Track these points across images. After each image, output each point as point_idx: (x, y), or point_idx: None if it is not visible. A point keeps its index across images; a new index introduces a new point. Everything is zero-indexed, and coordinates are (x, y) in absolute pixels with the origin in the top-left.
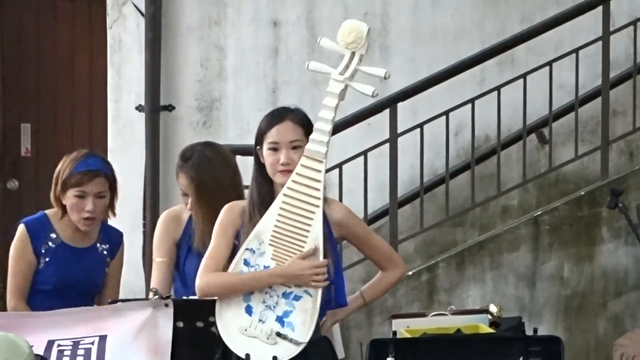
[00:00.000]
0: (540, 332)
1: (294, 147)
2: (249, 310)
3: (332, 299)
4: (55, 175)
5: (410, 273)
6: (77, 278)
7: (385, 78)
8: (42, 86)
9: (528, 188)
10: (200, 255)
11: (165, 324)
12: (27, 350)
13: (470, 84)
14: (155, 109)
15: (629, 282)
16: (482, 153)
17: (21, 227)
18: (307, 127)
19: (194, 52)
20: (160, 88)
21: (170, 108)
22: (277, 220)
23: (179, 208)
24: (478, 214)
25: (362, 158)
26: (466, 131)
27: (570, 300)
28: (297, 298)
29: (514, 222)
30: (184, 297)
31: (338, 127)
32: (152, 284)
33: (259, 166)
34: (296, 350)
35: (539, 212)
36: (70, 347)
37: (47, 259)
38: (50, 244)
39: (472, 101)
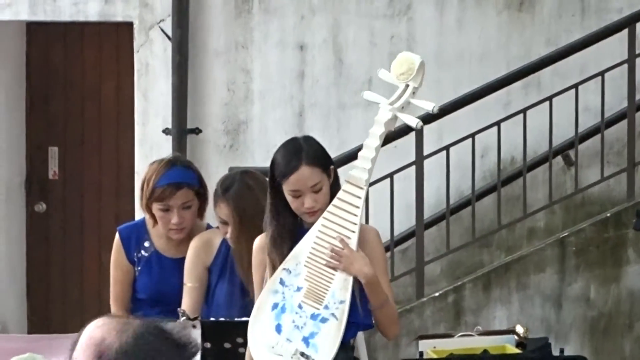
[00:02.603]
0: (566, 353)
1: (316, 191)
2: (278, 329)
3: (361, 322)
4: (140, 186)
5: (437, 294)
6: (171, 289)
7: (432, 112)
8: (69, 110)
9: (554, 210)
10: (232, 281)
11: None
12: None
13: (495, 107)
14: (182, 132)
15: None
16: (508, 175)
17: (116, 235)
18: (323, 164)
19: (221, 75)
20: (187, 111)
21: (197, 131)
22: (315, 243)
23: (210, 233)
24: (504, 235)
25: (388, 180)
26: (492, 153)
27: (596, 321)
28: (323, 320)
29: (540, 243)
30: (212, 318)
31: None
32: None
33: (278, 199)
34: None
35: (565, 234)
36: None
37: (139, 268)
38: (143, 252)
39: (498, 124)
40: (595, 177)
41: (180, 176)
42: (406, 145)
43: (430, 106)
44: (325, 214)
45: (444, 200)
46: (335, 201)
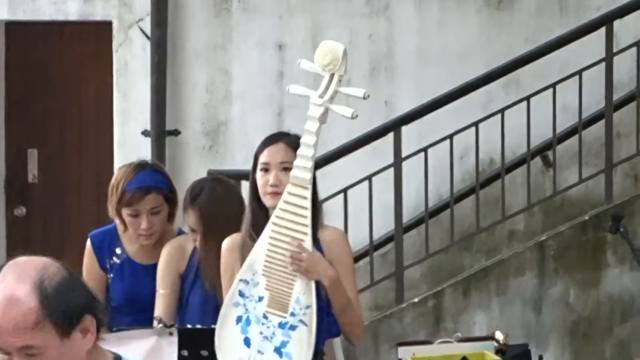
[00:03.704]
0: (546, 358)
1: (284, 169)
2: (247, 342)
3: (326, 328)
4: (109, 191)
5: (416, 300)
6: (145, 296)
7: (364, 98)
8: (48, 111)
9: (534, 212)
10: (205, 287)
11: (169, 353)
12: None
13: (476, 107)
14: (161, 133)
15: (635, 307)
16: (487, 177)
17: (88, 241)
18: None
19: (200, 76)
20: (166, 112)
21: (176, 133)
22: (269, 250)
23: (182, 239)
24: (484, 238)
25: (367, 182)
26: (472, 155)
27: (576, 325)
28: (292, 328)
29: (519, 247)
30: (189, 326)
31: (342, 151)
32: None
33: (255, 192)
34: None
35: (544, 237)
36: None
37: (112, 275)
38: (115, 259)
39: (475, 124)
40: (574, 179)
41: (149, 180)
42: (386, 146)
43: (360, 92)
44: (273, 219)
45: (423, 203)
46: (281, 204)
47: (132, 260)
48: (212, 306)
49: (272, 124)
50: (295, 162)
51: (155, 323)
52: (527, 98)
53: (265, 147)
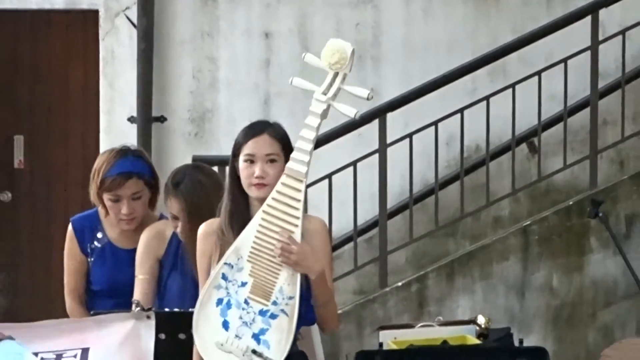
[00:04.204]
0: (529, 343)
1: (270, 161)
2: (225, 325)
3: (303, 315)
4: (91, 176)
5: (400, 284)
6: (125, 280)
7: (367, 99)
8: (35, 98)
9: (519, 198)
10: (184, 273)
11: (147, 336)
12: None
13: (462, 95)
14: (147, 120)
15: (618, 292)
16: (472, 163)
17: (69, 226)
18: (284, 142)
19: (186, 63)
20: (153, 99)
21: (162, 119)
22: (256, 237)
23: (162, 224)
24: (470, 224)
25: (352, 169)
26: (457, 141)
27: (559, 310)
28: (273, 316)
29: (503, 232)
30: (166, 309)
31: (328, 137)
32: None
33: (234, 180)
34: None
35: (528, 222)
36: None
37: (92, 259)
38: (96, 243)
39: (461, 111)
40: (560, 165)
41: (130, 166)
42: (371, 133)
43: (365, 93)
44: (264, 207)
45: (408, 189)
46: (274, 194)
47: (113, 245)
48: (191, 292)
49: (258, 111)
50: (293, 155)
51: (133, 307)
52: (513, 85)
53: (249, 138)
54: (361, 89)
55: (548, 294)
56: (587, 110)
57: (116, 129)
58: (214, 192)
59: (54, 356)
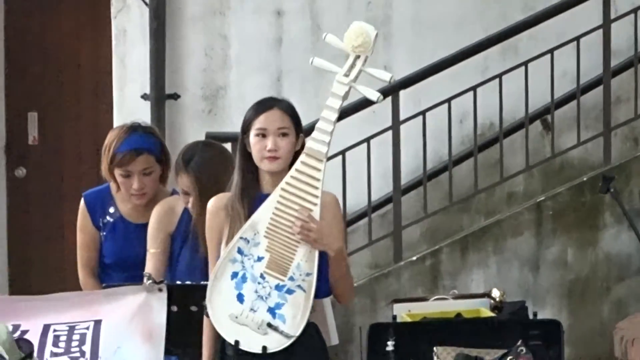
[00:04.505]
0: (544, 316)
1: (282, 134)
2: (240, 298)
3: (317, 289)
4: (102, 152)
5: (414, 258)
6: (137, 254)
7: (389, 82)
8: (48, 75)
9: (533, 175)
10: (194, 248)
11: (159, 308)
12: (5, 336)
13: (474, 72)
14: (160, 97)
15: (632, 266)
16: (486, 140)
17: (82, 200)
18: (294, 117)
19: (198, 41)
20: (165, 77)
21: (175, 97)
22: (274, 214)
23: (173, 200)
24: (483, 200)
25: (365, 145)
26: (471, 118)
27: (573, 284)
28: (290, 292)
29: (516, 208)
30: (178, 282)
31: (342, 114)
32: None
33: (244, 156)
34: (286, 342)
35: (542, 198)
36: (65, 332)
37: (104, 233)
38: (108, 218)
39: (473, 89)
40: (574, 143)
41: (140, 142)
42: (385, 110)
43: (387, 76)
44: (283, 184)
45: (422, 165)
46: (293, 172)
47: (124, 219)
48: (200, 267)
49: (269, 88)
50: (313, 135)
51: (144, 280)
52: (525, 63)
53: (259, 113)
54: (383, 72)
55: (562, 268)
56: (601, 88)
57: (129, 106)
58: (225, 169)
59: (67, 328)
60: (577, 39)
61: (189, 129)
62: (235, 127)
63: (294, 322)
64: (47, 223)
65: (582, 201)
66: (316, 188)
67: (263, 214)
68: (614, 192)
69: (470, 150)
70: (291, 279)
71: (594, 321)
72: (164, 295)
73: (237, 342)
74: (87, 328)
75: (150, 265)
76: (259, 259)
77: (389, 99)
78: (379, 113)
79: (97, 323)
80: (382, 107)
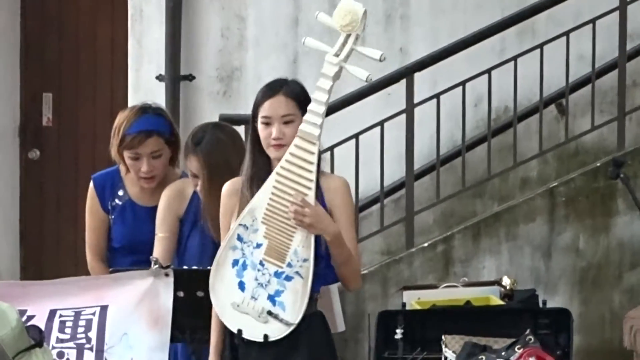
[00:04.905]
0: (555, 304)
1: (287, 122)
2: (241, 286)
3: (322, 275)
4: (112, 134)
5: (425, 245)
6: (145, 237)
7: (380, 60)
8: (63, 56)
9: (548, 159)
10: (204, 232)
11: (165, 293)
12: (14, 323)
13: (490, 55)
14: (176, 78)
15: None
16: (501, 124)
17: (91, 183)
18: (301, 100)
19: (215, 21)
20: (181, 58)
21: (190, 78)
22: (270, 199)
23: (183, 183)
24: (497, 185)
25: (379, 128)
26: (486, 102)
27: (585, 272)
28: (288, 278)
29: (530, 193)
30: (185, 267)
31: (355, 97)
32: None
33: (255, 140)
34: (286, 330)
35: (555, 184)
36: (72, 318)
37: (113, 217)
38: (117, 201)
39: (488, 72)
40: (589, 127)
41: (150, 124)
42: (399, 93)
43: (377, 54)
44: (278, 169)
45: (436, 149)
46: (287, 156)
47: (133, 202)
48: (210, 250)
49: (286, 70)
50: (305, 117)
51: (152, 264)
52: (541, 46)
53: (265, 99)
54: (373, 50)
55: (574, 255)
56: (616, 72)
57: (144, 87)
58: (234, 151)
59: (73, 314)
60: (593, 21)
61: (204, 110)
62: (250, 109)
63: (293, 309)
64: (60, 205)
65: (595, 187)
66: (310, 172)
67: (261, 200)
68: (624, 178)
69: (485, 135)
70: (289, 265)
71: (605, 309)
72: (170, 280)
73: (239, 331)
74: (94, 314)
75: (159, 250)
76: (258, 245)
77: (403, 81)
78: (394, 96)
79: (104, 309)
80: (397, 89)
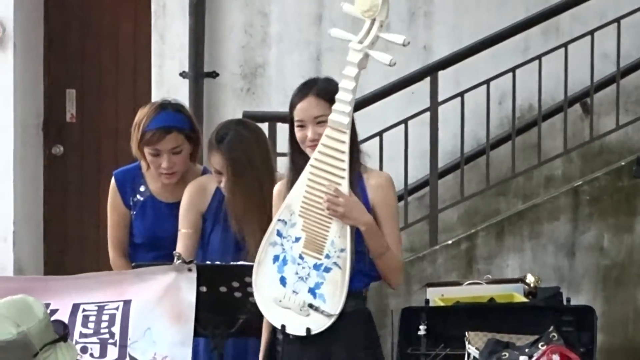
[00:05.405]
0: (578, 302)
1: (320, 122)
2: (282, 281)
3: (366, 272)
4: (132, 130)
5: (449, 242)
6: (166, 233)
7: (404, 45)
8: (86, 52)
9: (572, 158)
10: (226, 228)
11: (188, 289)
12: (41, 316)
13: (514, 53)
14: (199, 75)
15: None
16: (525, 122)
17: (112, 179)
18: (331, 98)
19: (238, 18)
20: (204, 54)
21: (214, 75)
22: (306, 192)
23: (205, 179)
24: (521, 183)
25: (403, 126)
26: (510, 100)
27: (609, 270)
28: (327, 270)
29: (554, 192)
30: (208, 262)
31: (379, 95)
32: None
33: (294, 141)
34: (328, 322)
35: (579, 182)
36: (95, 313)
37: (134, 213)
38: (138, 197)
39: (513, 70)
40: (614, 126)
41: (170, 120)
42: (423, 91)
43: (400, 39)
44: (312, 161)
45: (460, 147)
46: (319, 147)
47: (154, 198)
48: (233, 246)
49: (309, 67)
50: (334, 107)
51: (175, 260)
52: (565, 45)
53: (297, 102)
54: (397, 35)
55: (598, 254)
56: None
57: (167, 84)
58: (257, 148)
59: (96, 308)
60: (618, 20)
61: (227, 107)
62: (273, 107)
63: (333, 300)
64: (83, 201)
65: (620, 186)
66: (342, 161)
67: (297, 194)
68: None
69: (509, 133)
70: (327, 256)
71: (629, 308)
72: (193, 275)
73: (283, 327)
74: (117, 308)
75: (181, 245)
76: (297, 239)
77: (428, 79)
78: (418, 94)
79: (127, 303)
80: (421, 87)
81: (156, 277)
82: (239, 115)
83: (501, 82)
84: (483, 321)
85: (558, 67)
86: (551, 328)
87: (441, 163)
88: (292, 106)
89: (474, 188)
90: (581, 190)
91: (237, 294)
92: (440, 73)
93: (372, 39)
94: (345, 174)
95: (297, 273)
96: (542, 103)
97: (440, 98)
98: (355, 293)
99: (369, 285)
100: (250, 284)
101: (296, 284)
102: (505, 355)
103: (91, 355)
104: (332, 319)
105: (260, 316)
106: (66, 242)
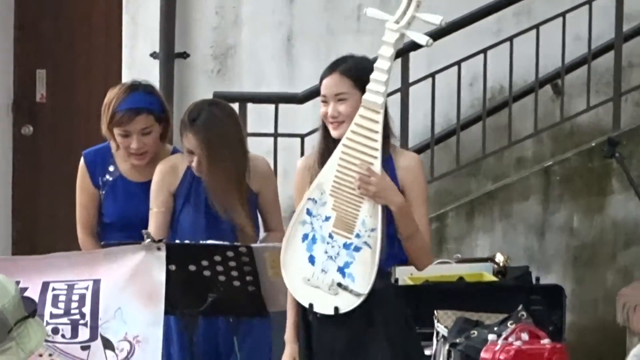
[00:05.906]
0: (548, 282)
1: (340, 100)
2: (311, 260)
3: (395, 254)
4: (102, 111)
5: None
6: (137, 213)
7: (440, 26)
8: (58, 32)
9: (543, 139)
10: (197, 207)
11: (158, 268)
12: (14, 292)
13: (486, 35)
14: (170, 56)
15: (639, 233)
16: (496, 104)
17: (81, 159)
18: (356, 77)
19: None
20: (175, 35)
21: (185, 55)
22: (338, 171)
23: (176, 158)
24: (492, 164)
25: None
26: (481, 82)
27: (579, 251)
28: (357, 249)
29: (524, 172)
30: (177, 241)
31: None
32: None
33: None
34: (357, 301)
35: (550, 163)
36: (64, 292)
37: (104, 192)
38: (108, 177)
39: (484, 51)
40: (584, 107)
41: (139, 101)
42: (395, 71)
43: (437, 19)
44: (344, 140)
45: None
46: (352, 127)
47: (124, 178)
48: (202, 225)
49: (280, 48)
50: (369, 86)
51: (144, 238)
52: (537, 26)
53: (323, 78)
54: (434, 15)
55: (568, 234)
56: (612, 53)
57: (139, 64)
58: (231, 128)
59: (66, 287)
60: (589, 2)
61: (198, 88)
62: (244, 88)
63: (363, 280)
64: (54, 181)
65: (590, 167)
66: (375, 141)
67: (328, 173)
68: (619, 157)
69: (480, 114)
70: (357, 236)
71: (599, 288)
72: (162, 254)
73: (311, 305)
74: (86, 288)
75: (153, 225)
76: (327, 218)
77: (399, 60)
78: (392, 74)
79: (96, 282)
80: (395, 68)
81: (125, 256)
82: (210, 96)
83: (473, 63)
84: (452, 300)
85: (530, 49)
86: (520, 307)
87: (412, 143)
88: (320, 80)
89: (444, 168)
90: (552, 171)
91: (207, 273)
92: (412, 54)
93: (408, 19)
94: (378, 154)
95: (326, 252)
96: (514, 84)
97: (412, 79)
98: (383, 271)
99: (394, 264)
100: (219, 263)
101: (325, 262)
102: (474, 333)
103: (62, 336)
104: (361, 299)
105: (230, 296)
106: (36, 223)
